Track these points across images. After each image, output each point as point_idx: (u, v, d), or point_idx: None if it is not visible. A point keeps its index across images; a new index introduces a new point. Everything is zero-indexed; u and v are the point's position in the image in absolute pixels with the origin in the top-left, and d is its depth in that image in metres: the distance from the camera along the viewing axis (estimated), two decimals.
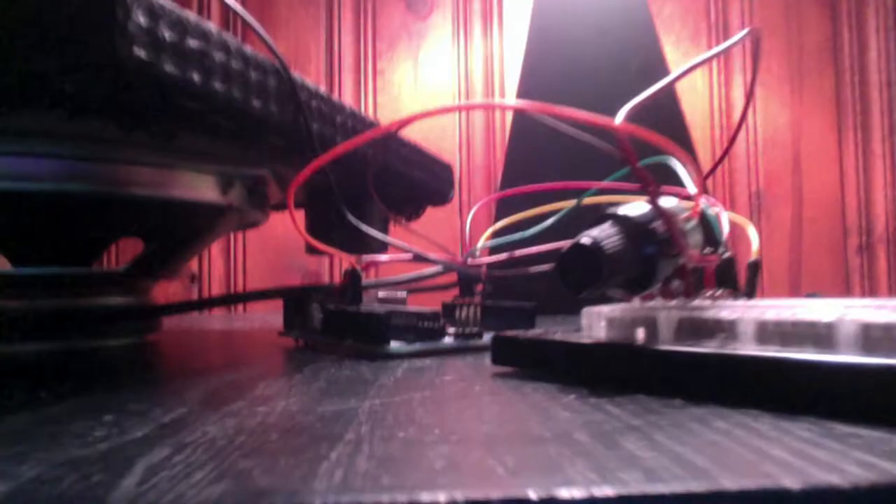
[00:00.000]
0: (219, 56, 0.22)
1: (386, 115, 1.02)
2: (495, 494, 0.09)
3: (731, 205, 1.03)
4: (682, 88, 0.61)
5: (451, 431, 0.13)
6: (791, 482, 0.09)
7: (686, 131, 0.62)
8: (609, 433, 0.12)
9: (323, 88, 0.30)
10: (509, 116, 0.82)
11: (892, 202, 1.04)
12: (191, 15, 0.21)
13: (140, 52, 0.18)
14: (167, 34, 0.19)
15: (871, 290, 1.04)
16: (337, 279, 1.02)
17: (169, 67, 0.19)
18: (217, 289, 0.99)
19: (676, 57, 1.02)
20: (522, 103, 0.19)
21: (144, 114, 0.21)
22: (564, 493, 0.09)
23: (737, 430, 0.12)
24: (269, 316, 0.64)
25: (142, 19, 0.18)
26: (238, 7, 0.24)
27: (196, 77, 0.20)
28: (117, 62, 0.18)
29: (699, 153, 0.64)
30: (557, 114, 0.18)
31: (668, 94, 0.61)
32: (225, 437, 0.12)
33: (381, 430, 0.13)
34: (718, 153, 1.02)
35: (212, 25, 0.22)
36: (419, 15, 1.03)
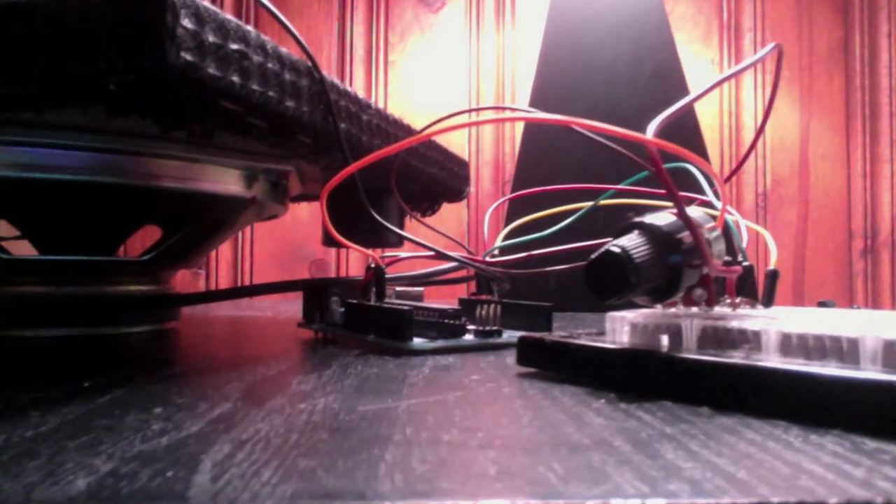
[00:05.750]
0: (257, 58, 0.22)
1: (397, 106, 1.02)
2: (555, 503, 0.09)
3: (738, 206, 1.04)
4: (692, 89, 0.61)
5: (494, 436, 0.13)
6: (827, 495, 0.10)
7: (699, 133, 0.62)
8: (646, 441, 0.13)
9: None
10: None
11: None
12: (231, 18, 0.21)
13: (187, 56, 0.19)
14: (211, 37, 0.20)
15: (873, 293, 1.04)
16: (346, 270, 1.03)
17: (212, 70, 0.20)
18: (224, 277, 1.00)
19: (689, 57, 1.02)
20: (559, 116, 0.19)
21: (184, 114, 0.21)
22: (616, 502, 0.09)
23: (769, 442, 0.13)
24: (279, 305, 0.65)
25: (189, 24, 0.19)
26: (273, 8, 0.25)
27: (236, 79, 0.21)
28: (166, 65, 0.18)
29: (709, 154, 0.65)
30: (591, 128, 0.18)
31: (682, 96, 0.61)
32: (278, 436, 0.13)
33: (425, 433, 0.13)
34: (727, 153, 1.03)
35: (251, 28, 0.22)
36: (431, 8, 1.03)
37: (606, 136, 0.31)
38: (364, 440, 0.13)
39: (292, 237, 0.99)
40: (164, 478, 0.10)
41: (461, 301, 0.33)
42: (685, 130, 0.59)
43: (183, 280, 0.97)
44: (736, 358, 0.17)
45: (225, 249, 1.00)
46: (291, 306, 0.59)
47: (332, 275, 1.03)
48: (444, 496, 0.10)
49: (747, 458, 0.12)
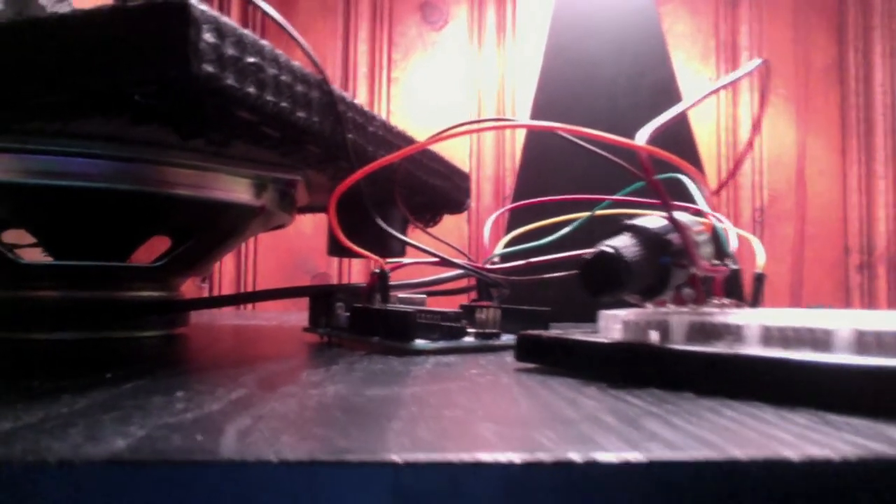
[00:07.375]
0: (271, 70, 0.23)
1: (399, 122, 1.04)
2: (546, 458, 0.10)
3: (735, 221, 1.05)
4: None
5: (493, 413, 0.14)
6: (792, 454, 0.11)
7: (694, 147, 0.64)
8: (633, 417, 0.14)
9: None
10: (520, 130, 0.84)
11: (894, 222, 1.05)
12: (248, 32, 0.22)
13: (208, 68, 0.20)
14: (230, 51, 0.21)
15: (870, 308, 1.05)
16: (347, 280, 1.04)
17: (231, 81, 0.21)
18: (228, 288, 1.01)
19: (688, 75, 1.04)
20: (553, 124, 0.20)
21: (204, 123, 0.23)
22: (602, 456, 0.10)
23: (745, 417, 0.14)
24: (283, 315, 0.66)
25: (210, 38, 0.20)
26: (287, 25, 0.26)
27: (252, 90, 0.22)
28: (189, 76, 0.20)
29: (705, 169, 0.66)
30: (586, 135, 0.19)
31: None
32: (294, 413, 0.14)
33: (429, 410, 0.15)
34: (724, 169, 1.04)
35: (266, 42, 0.23)
36: (434, 26, 1.06)
37: (601, 145, 0.32)
38: (373, 416, 0.14)
39: (295, 250, 1.01)
40: (194, 440, 0.12)
41: (462, 307, 0.34)
42: (681, 146, 0.61)
43: (187, 292, 0.98)
44: (719, 348, 0.18)
45: (228, 262, 1.01)
46: (295, 316, 0.60)
47: None
48: (447, 451, 0.11)
49: (724, 429, 0.13)
